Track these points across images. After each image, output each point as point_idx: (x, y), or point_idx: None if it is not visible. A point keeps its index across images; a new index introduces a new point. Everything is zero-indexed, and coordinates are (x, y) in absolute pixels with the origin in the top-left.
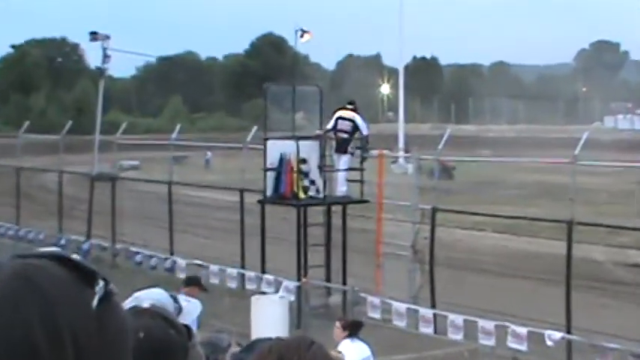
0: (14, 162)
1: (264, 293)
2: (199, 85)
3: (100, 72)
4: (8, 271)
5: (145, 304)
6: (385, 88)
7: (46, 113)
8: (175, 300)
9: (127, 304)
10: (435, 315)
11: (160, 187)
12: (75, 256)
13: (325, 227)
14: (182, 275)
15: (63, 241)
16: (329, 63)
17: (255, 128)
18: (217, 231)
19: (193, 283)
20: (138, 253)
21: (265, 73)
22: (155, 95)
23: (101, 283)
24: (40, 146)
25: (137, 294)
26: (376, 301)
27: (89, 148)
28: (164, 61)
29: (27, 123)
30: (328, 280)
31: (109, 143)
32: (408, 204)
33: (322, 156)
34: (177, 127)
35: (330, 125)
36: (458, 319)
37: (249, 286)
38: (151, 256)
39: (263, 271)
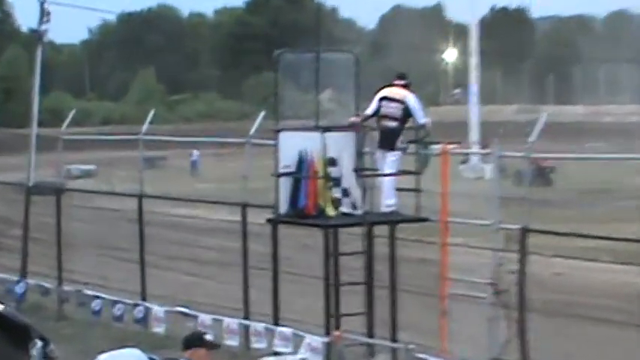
0: None
1: (277, 354)
2: (181, 54)
3: (37, 36)
4: None
5: None
6: (450, 54)
7: None
8: None
9: None
10: None
11: (126, 201)
12: (2, 307)
13: (366, 257)
14: (158, 329)
15: None
16: (368, 19)
17: (261, 115)
18: (209, 265)
19: (196, 342)
20: (97, 297)
21: (275, 34)
22: (117, 69)
23: (38, 343)
24: None
25: (103, 357)
26: None
27: (22, 147)
28: (129, 19)
29: None
30: (370, 334)
31: (52, 139)
32: (486, 223)
33: (360, 154)
34: (150, 114)
35: (371, 109)
36: None
37: (257, 343)
38: (114, 302)
39: (276, 322)
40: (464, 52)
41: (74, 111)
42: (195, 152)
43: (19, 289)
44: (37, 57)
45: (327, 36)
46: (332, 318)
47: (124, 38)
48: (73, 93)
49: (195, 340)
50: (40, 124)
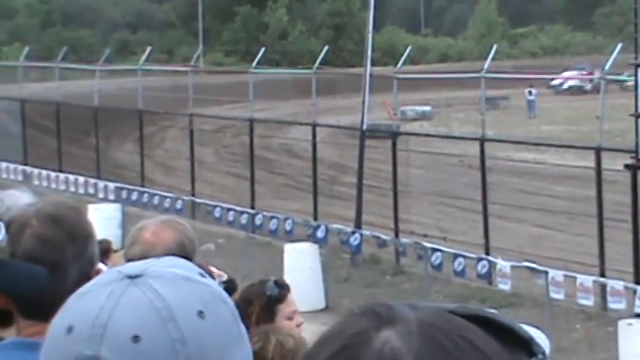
0: (238, 110)
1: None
2: None
3: None
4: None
5: None
6: None
7: (286, 34)
8: None
9: None
10: None
11: (466, 146)
12: (508, 321)
13: None
14: (504, 285)
15: (321, 232)
16: None
17: (618, 47)
18: (559, 215)
19: None
20: (436, 250)
21: None
22: (454, 1)
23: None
24: (275, 85)
25: None
26: None
27: (354, 88)
28: None
29: (261, 51)
30: None
31: (385, 79)
32: None
33: None
34: (492, 49)
35: None
36: None
37: (615, 304)
38: (455, 256)
39: (637, 281)
40: None
41: (409, 48)
42: (533, 90)
43: (354, 240)
44: None
45: None
46: None
47: None
48: (408, 28)
49: None
50: (373, 63)
